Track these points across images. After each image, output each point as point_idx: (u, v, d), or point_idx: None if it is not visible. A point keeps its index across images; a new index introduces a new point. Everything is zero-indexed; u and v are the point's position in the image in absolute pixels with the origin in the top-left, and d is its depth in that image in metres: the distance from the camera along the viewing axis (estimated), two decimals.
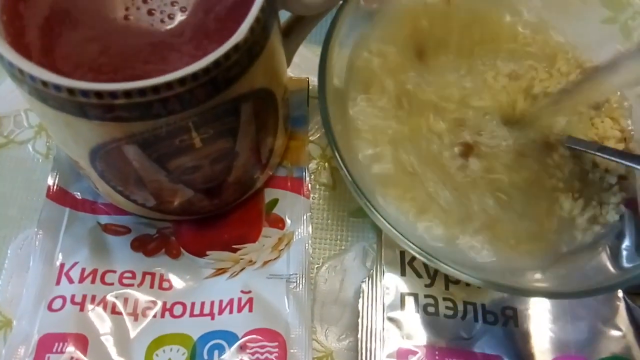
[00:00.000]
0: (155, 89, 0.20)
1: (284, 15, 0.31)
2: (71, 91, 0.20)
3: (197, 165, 0.27)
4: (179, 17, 0.23)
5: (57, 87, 0.20)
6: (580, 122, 0.33)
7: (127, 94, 0.20)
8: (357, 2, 0.32)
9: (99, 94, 0.20)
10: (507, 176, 0.32)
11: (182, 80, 0.20)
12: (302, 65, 0.38)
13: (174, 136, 0.23)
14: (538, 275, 0.29)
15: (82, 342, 0.28)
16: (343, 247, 0.34)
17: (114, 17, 0.23)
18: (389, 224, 0.27)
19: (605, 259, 0.30)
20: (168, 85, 0.20)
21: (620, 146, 0.33)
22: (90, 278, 0.30)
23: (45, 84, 0.20)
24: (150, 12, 0.23)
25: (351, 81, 0.33)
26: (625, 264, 0.30)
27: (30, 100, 0.22)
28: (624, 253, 0.30)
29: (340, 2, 0.30)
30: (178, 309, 0.30)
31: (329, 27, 0.30)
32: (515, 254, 0.30)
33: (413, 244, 0.26)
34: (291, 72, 0.38)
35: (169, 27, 0.23)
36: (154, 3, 0.23)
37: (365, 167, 0.31)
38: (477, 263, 0.29)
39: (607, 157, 0.30)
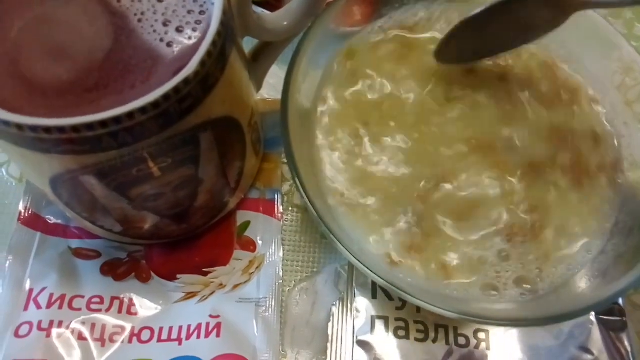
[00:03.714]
0: (104, 123, 0.20)
1: (252, 40, 0.31)
2: (20, 127, 0.20)
3: (159, 192, 0.27)
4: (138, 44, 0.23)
5: (6, 123, 0.20)
6: None
7: (76, 129, 0.20)
8: (326, 26, 0.32)
9: (47, 130, 0.20)
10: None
11: (130, 115, 0.20)
12: (277, 87, 0.38)
13: (130, 166, 0.23)
14: (509, 306, 0.29)
15: None
16: (315, 269, 0.34)
17: (70, 39, 0.23)
18: (354, 257, 0.26)
19: (580, 283, 0.30)
20: (116, 119, 0.20)
21: None
22: (58, 303, 0.30)
23: None
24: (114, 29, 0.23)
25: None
26: (599, 287, 0.29)
27: None
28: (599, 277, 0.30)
29: (308, 26, 0.31)
30: (146, 334, 0.30)
31: (294, 50, 0.30)
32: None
33: (376, 274, 0.26)
34: (266, 93, 0.39)
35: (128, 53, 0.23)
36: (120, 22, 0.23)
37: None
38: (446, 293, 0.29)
39: None
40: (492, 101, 0.33)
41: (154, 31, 0.23)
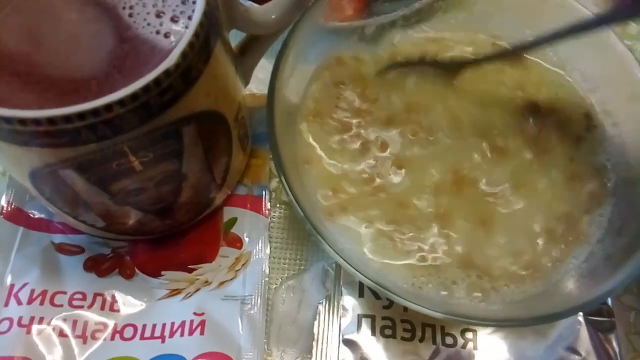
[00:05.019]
0: (81, 115, 0.20)
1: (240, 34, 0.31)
2: None
3: (141, 187, 0.26)
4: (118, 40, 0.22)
5: None
6: None
7: (52, 121, 0.20)
8: (314, 20, 0.31)
9: (22, 121, 0.20)
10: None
11: (108, 107, 0.20)
12: (266, 81, 0.37)
13: (110, 160, 0.23)
14: (497, 306, 0.29)
15: None
16: (302, 267, 0.34)
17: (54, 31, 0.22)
18: (341, 257, 0.26)
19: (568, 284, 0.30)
20: (94, 111, 0.20)
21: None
22: (39, 299, 0.30)
23: None
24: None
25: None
26: (587, 287, 0.29)
27: None
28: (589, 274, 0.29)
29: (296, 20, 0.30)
30: (129, 332, 0.30)
31: (281, 44, 0.30)
32: None
33: (362, 274, 0.26)
34: (255, 88, 0.38)
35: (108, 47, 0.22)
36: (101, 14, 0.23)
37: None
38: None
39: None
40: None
41: (148, 24, 0.22)
